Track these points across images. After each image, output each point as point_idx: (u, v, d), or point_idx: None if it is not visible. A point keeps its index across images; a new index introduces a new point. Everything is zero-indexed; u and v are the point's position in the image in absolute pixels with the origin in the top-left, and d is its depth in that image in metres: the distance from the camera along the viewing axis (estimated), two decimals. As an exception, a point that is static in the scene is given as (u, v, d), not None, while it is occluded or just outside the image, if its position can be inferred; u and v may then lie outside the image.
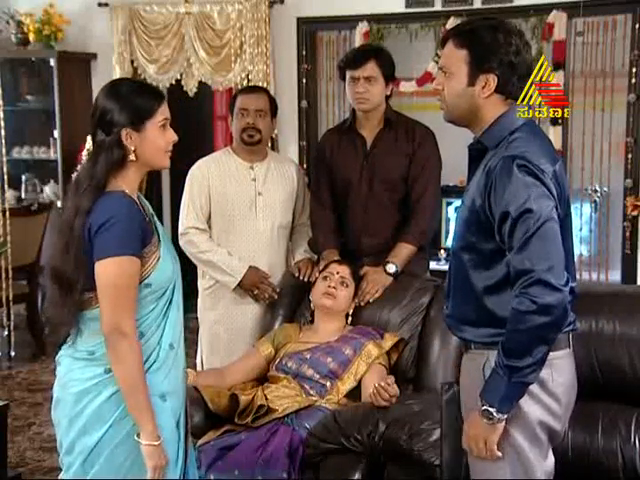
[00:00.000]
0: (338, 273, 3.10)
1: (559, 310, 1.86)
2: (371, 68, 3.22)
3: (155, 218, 2.17)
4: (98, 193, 2.02)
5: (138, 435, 2.01)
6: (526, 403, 1.97)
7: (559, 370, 2.01)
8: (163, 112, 2.10)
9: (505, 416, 1.93)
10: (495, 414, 1.92)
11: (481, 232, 1.99)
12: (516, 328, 1.88)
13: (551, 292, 1.84)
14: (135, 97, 2.09)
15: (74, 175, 2.13)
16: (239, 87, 5.00)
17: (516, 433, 1.98)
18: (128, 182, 2.09)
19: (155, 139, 2.08)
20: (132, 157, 2.06)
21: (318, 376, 2.89)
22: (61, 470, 2.20)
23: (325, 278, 3.11)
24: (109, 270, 1.98)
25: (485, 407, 1.93)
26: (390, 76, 3.30)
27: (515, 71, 2.00)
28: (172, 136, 2.13)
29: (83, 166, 2.11)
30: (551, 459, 2.07)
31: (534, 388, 1.96)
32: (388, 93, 3.32)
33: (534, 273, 1.85)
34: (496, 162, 1.94)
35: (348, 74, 3.27)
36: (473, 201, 2.01)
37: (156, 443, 2.01)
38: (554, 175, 1.95)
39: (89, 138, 2.14)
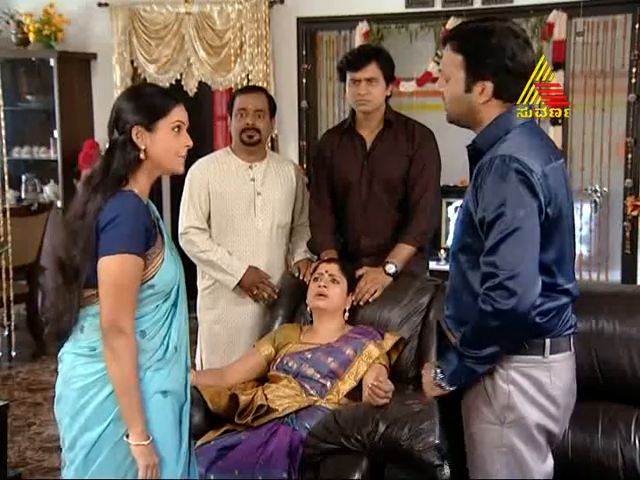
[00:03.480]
0: (327, 272, 3.11)
1: (514, 317, 1.87)
2: (372, 70, 3.21)
3: (161, 222, 2.18)
4: (110, 190, 2.03)
5: (127, 436, 2.01)
6: (523, 406, 1.97)
7: (558, 373, 2.01)
8: (178, 114, 2.10)
9: (452, 388, 2.03)
10: (443, 384, 2.04)
11: (476, 233, 1.99)
12: (474, 323, 1.95)
13: (509, 298, 1.86)
14: (149, 98, 2.11)
15: (87, 171, 2.13)
16: (239, 87, 5.00)
17: (513, 436, 1.99)
18: (139, 184, 2.09)
19: (167, 140, 2.08)
20: (142, 156, 2.06)
21: (319, 375, 2.89)
22: (60, 470, 2.19)
23: (316, 279, 3.12)
24: (112, 267, 1.99)
25: (436, 370, 2.04)
26: (390, 77, 3.30)
27: (511, 75, 1.99)
28: (187, 140, 2.13)
29: (97, 163, 2.11)
30: (550, 461, 2.07)
31: (532, 391, 1.97)
32: (388, 94, 3.31)
33: (497, 278, 1.87)
34: (486, 164, 1.94)
35: (349, 76, 3.26)
36: (467, 202, 2.02)
37: (145, 443, 2.01)
38: (543, 175, 1.93)
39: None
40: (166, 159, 2.11)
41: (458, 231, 2.09)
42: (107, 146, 2.12)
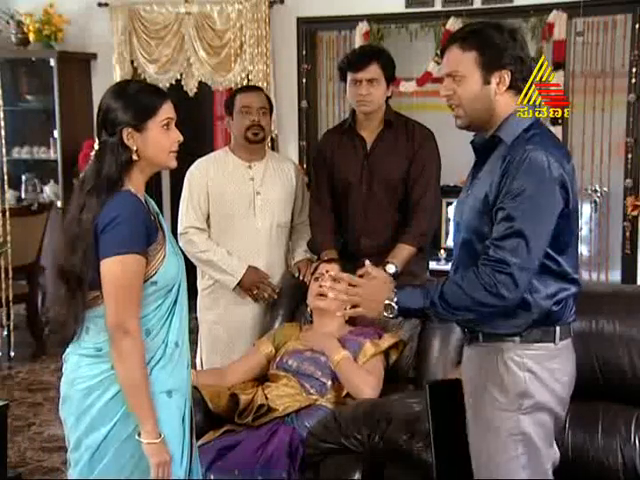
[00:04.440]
0: (328, 272, 3.11)
1: (509, 303, 1.96)
2: (374, 70, 3.21)
3: (160, 217, 2.18)
4: (105, 193, 2.03)
5: (139, 434, 2.02)
6: (539, 392, 2.02)
7: (565, 359, 2.08)
8: (166, 111, 2.10)
9: (393, 316, 2.05)
10: (394, 312, 2.03)
11: (493, 223, 2.02)
12: (466, 289, 1.97)
13: (512, 288, 1.93)
14: (137, 97, 2.09)
15: (81, 175, 2.13)
16: (239, 87, 4.99)
17: (528, 422, 2.02)
18: (134, 182, 2.09)
19: (157, 139, 2.08)
20: (135, 157, 2.07)
21: (319, 373, 2.89)
22: (60, 470, 2.20)
23: (316, 279, 3.12)
24: (114, 268, 1.99)
25: (390, 303, 2.02)
26: (391, 77, 3.29)
27: (524, 65, 2.06)
28: (177, 136, 2.13)
29: (89, 166, 2.12)
30: (555, 447, 2.13)
31: (545, 377, 2.02)
32: (389, 94, 3.31)
33: (509, 267, 1.92)
34: (518, 156, 1.97)
35: (350, 76, 3.26)
36: (486, 193, 2.03)
37: (157, 441, 2.02)
38: (570, 171, 2.01)
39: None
40: (159, 157, 2.11)
41: (471, 221, 2.09)
42: (97, 147, 2.11)
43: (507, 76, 2.04)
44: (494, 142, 2.08)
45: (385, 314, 2.05)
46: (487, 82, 2.05)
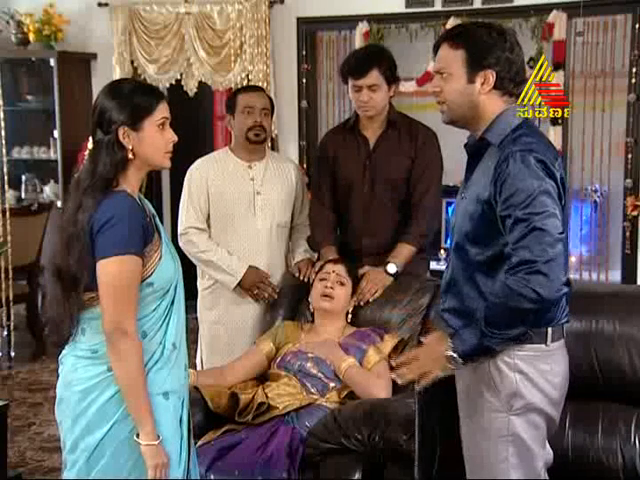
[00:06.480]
0: (334, 272, 3.10)
1: (549, 300, 1.93)
2: (374, 77, 3.19)
3: (156, 218, 2.18)
4: (100, 193, 2.03)
5: (137, 436, 2.01)
6: (530, 393, 2.02)
7: (557, 360, 2.08)
8: (162, 111, 2.09)
9: (463, 364, 2.02)
10: (459, 359, 2.00)
11: (487, 224, 2.02)
12: (505, 303, 1.94)
13: (547, 284, 1.90)
14: (133, 96, 2.08)
15: (75, 174, 2.13)
16: (239, 87, 5.00)
17: (519, 423, 2.03)
18: (129, 181, 2.09)
19: (153, 138, 2.08)
20: (130, 156, 2.06)
21: (322, 375, 2.88)
22: (60, 470, 2.19)
23: (322, 279, 3.11)
24: (111, 269, 1.98)
25: (451, 354, 2.00)
26: (393, 78, 3.28)
27: (512, 67, 2.06)
28: (171, 136, 2.13)
29: (84, 165, 2.12)
30: (549, 448, 2.13)
31: (537, 378, 2.02)
32: (392, 94, 3.30)
33: (535, 265, 1.90)
34: (506, 156, 1.97)
35: (350, 82, 3.24)
36: (478, 195, 2.03)
37: (155, 443, 2.01)
38: (560, 169, 2.02)
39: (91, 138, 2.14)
40: (154, 156, 2.11)
41: (465, 223, 2.09)
42: (91, 147, 2.11)
43: (492, 76, 2.05)
44: (483, 144, 2.08)
45: (449, 365, 2.03)
46: (471, 81, 2.06)
